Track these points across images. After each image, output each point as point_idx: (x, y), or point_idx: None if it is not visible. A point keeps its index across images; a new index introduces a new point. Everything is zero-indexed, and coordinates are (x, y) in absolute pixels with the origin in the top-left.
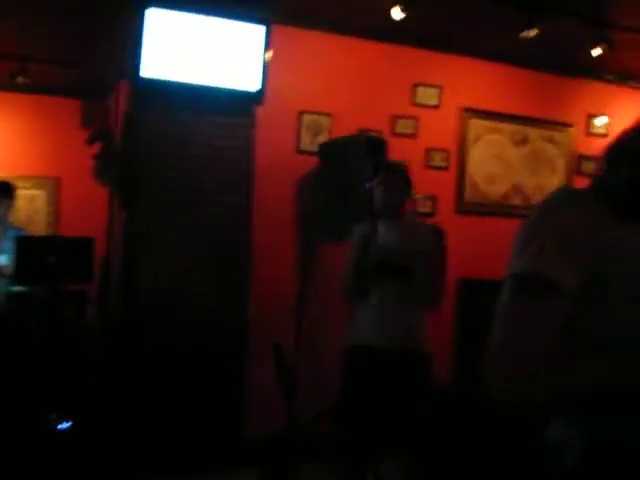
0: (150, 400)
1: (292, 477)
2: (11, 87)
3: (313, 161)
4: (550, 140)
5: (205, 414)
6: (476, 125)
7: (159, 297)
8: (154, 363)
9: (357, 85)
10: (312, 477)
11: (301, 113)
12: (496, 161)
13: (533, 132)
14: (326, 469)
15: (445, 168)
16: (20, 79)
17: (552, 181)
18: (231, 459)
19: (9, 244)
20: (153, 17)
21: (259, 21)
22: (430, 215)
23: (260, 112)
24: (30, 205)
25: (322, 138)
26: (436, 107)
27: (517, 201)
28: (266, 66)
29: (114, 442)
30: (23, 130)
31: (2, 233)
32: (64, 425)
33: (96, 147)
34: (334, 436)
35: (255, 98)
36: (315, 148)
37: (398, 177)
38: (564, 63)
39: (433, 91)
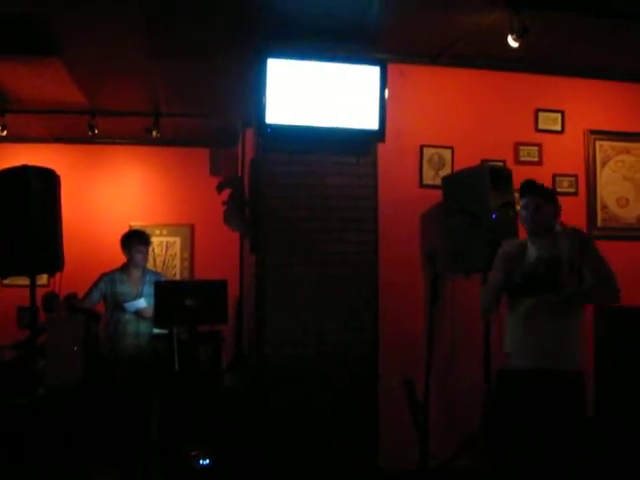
0: (286, 437)
1: None
2: (147, 141)
3: (437, 195)
4: None
5: (340, 450)
6: (603, 147)
7: (289, 335)
8: (287, 400)
9: (477, 116)
10: None
11: (422, 147)
12: (628, 182)
13: None
14: None
15: (574, 193)
16: (154, 133)
17: None
18: None
19: (148, 288)
20: (274, 67)
21: (374, 62)
22: None
23: (382, 149)
24: (166, 251)
25: (445, 171)
26: (560, 132)
27: None
28: (385, 104)
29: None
30: (157, 181)
31: (140, 278)
32: (205, 462)
33: (225, 194)
34: (476, 471)
35: (376, 136)
36: (438, 182)
37: (540, 196)
38: None
39: (555, 116)
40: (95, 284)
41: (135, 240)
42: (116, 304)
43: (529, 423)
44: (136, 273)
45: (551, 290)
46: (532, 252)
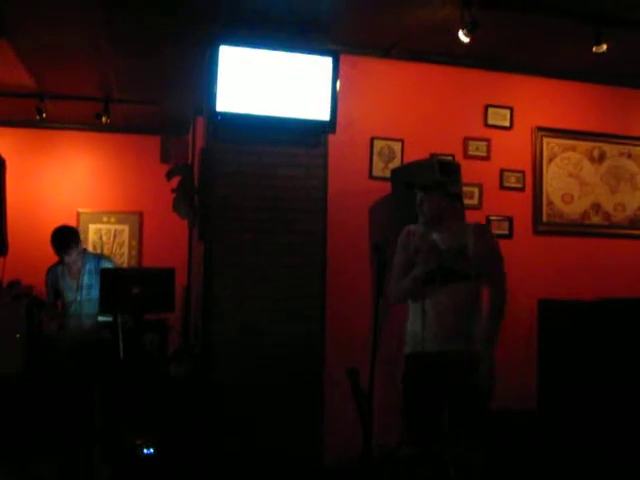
0: (230, 427)
1: None
2: (96, 127)
3: (386, 187)
4: (629, 155)
5: (284, 440)
6: (550, 144)
7: (237, 324)
8: (233, 389)
9: (428, 110)
10: None
11: (373, 140)
12: (573, 179)
13: (610, 148)
14: None
15: (521, 189)
16: (104, 119)
17: (634, 198)
18: None
19: (89, 278)
20: (226, 54)
21: (327, 52)
22: (507, 236)
23: (332, 140)
24: (114, 239)
25: (394, 164)
26: (508, 128)
27: (597, 220)
28: (336, 95)
29: (195, 469)
30: (107, 168)
31: (80, 269)
32: (149, 451)
33: (175, 181)
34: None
35: (327, 127)
36: (388, 174)
37: (421, 190)
38: (637, 77)
39: (504, 112)
40: (45, 282)
41: (58, 247)
42: (61, 297)
43: (439, 397)
44: (76, 264)
45: (459, 279)
46: (435, 241)
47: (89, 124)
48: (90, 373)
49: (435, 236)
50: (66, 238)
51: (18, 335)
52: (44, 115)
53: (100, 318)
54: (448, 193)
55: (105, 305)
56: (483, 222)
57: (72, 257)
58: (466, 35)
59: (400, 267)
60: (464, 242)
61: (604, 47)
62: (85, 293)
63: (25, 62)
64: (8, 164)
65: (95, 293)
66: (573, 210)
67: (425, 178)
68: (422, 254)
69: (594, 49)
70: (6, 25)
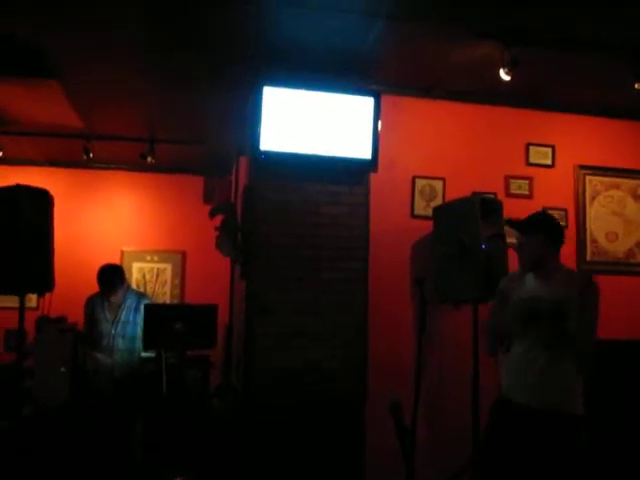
0: (271, 462)
1: None
2: (141, 167)
3: (428, 225)
4: None
5: (324, 476)
6: (593, 182)
7: (278, 361)
8: (274, 425)
9: (469, 148)
10: None
11: (414, 178)
12: (617, 217)
13: None
14: None
15: (564, 227)
16: (149, 159)
17: None
18: None
19: (127, 314)
20: (269, 95)
21: (368, 93)
22: None
23: (374, 179)
24: (157, 278)
25: (436, 202)
26: (550, 166)
27: None
28: (377, 135)
29: None
30: (151, 207)
31: (121, 304)
32: None
33: (218, 220)
34: None
35: (369, 166)
36: (429, 212)
37: (521, 231)
38: None
39: (546, 150)
40: (84, 311)
41: (104, 285)
42: (95, 328)
43: (520, 460)
44: (116, 298)
45: (553, 332)
46: (532, 286)
47: (134, 164)
48: (132, 409)
49: (534, 283)
50: (113, 276)
51: (63, 369)
52: (91, 155)
53: (143, 354)
54: (551, 236)
55: (149, 340)
56: (588, 271)
57: (118, 296)
58: (507, 74)
59: (493, 314)
60: (566, 294)
61: None
62: (120, 328)
63: (74, 103)
64: (56, 202)
65: (130, 330)
66: (617, 248)
67: (528, 218)
68: (518, 301)
69: (635, 86)
70: (58, 67)
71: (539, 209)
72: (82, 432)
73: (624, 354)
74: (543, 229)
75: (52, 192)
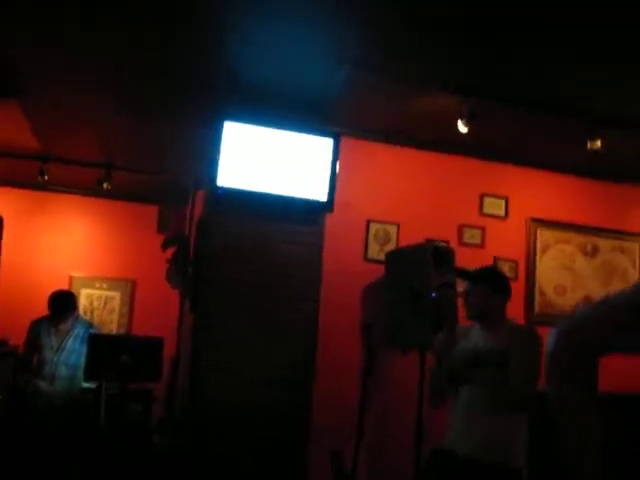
0: None
1: None
2: (96, 192)
3: (380, 270)
4: (621, 250)
5: None
6: (544, 235)
7: (223, 396)
8: (217, 460)
9: (425, 195)
10: None
11: (369, 222)
12: (566, 272)
13: (603, 242)
14: None
15: (513, 279)
16: (105, 185)
17: None
18: None
19: (72, 343)
20: (230, 130)
21: (328, 134)
22: None
23: (329, 220)
24: (105, 305)
25: (390, 247)
26: (503, 217)
27: None
28: (335, 176)
29: None
30: (103, 233)
31: (68, 331)
32: None
33: (170, 252)
34: None
35: (325, 207)
36: (382, 257)
37: (482, 283)
38: (631, 172)
39: (500, 202)
40: (27, 334)
41: (55, 311)
42: (38, 353)
43: None
44: (65, 326)
45: (495, 379)
46: (477, 336)
47: (89, 189)
48: (68, 449)
49: (479, 333)
50: (65, 303)
51: (0, 396)
52: (46, 177)
53: (84, 384)
54: (497, 287)
55: (91, 371)
56: (527, 324)
57: (67, 323)
58: (465, 125)
59: (432, 370)
60: (506, 345)
61: (598, 143)
62: (64, 356)
63: (32, 123)
64: (5, 223)
65: (74, 359)
66: (565, 302)
67: (477, 269)
68: (461, 350)
69: (588, 145)
70: (18, 86)
71: (491, 259)
72: (16, 461)
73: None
74: (490, 279)
75: (2, 212)
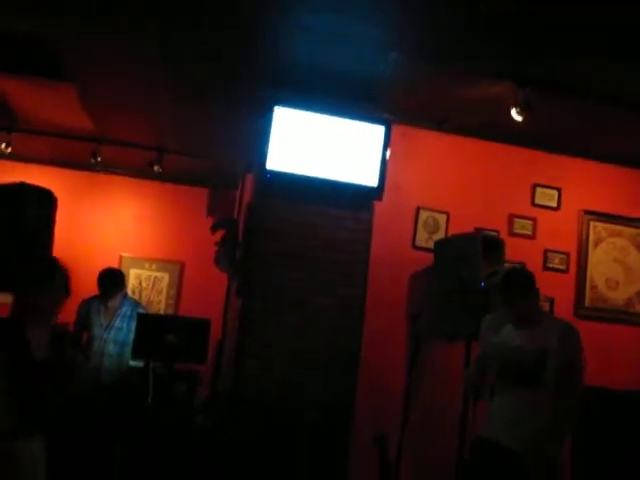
0: None
1: None
2: (147, 175)
3: (428, 258)
4: None
5: None
6: (597, 228)
7: (267, 381)
8: (257, 446)
9: (475, 184)
10: None
11: (419, 209)
12: (618, 265)
13: None
14: None
15: (564, 270)
16: (156, 168)
17: None
18: None
19: (121, 322)
20: (280, 115)
21: (379, 121)
22: None
23: (378, 207)
24: (153, 286)
25: (438, 235)
26: (555, 208)
27: None
28: (385, 163)
29: None
30: (154, 215)
31: (116, 310)
32: None
33: (219, 235)
34: None
35: (374, 193)
36: (431, 245)
37: (515, 286)
38: None
39: (552, 192)
40: (77, 312)
41: (104, 289)
42: (88, 330)
43: None
44: (113, 303)
45: (534, 384)
46: (515, 336)
47: (141, 171)
48: (114, 423)
49: (517, 331)
50: (114, 281)
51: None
52: (99, 159)
53: (131, 363)
54: (536, 292)
55: (138, 350)
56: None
57: (116, 300)
58: (518, 114)
59: (475, 361)
60: (548, 345)
61: None
62: (113, 334)
63: (87, 107)
64: (59, 203)
65: (122, 337)
66: (617, 296)
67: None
68: (497, 348)
69: None
70: (75, 71)
71: (541, 250)
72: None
73: (616, 404)
74: (531, 287)
75: (56, 192)
